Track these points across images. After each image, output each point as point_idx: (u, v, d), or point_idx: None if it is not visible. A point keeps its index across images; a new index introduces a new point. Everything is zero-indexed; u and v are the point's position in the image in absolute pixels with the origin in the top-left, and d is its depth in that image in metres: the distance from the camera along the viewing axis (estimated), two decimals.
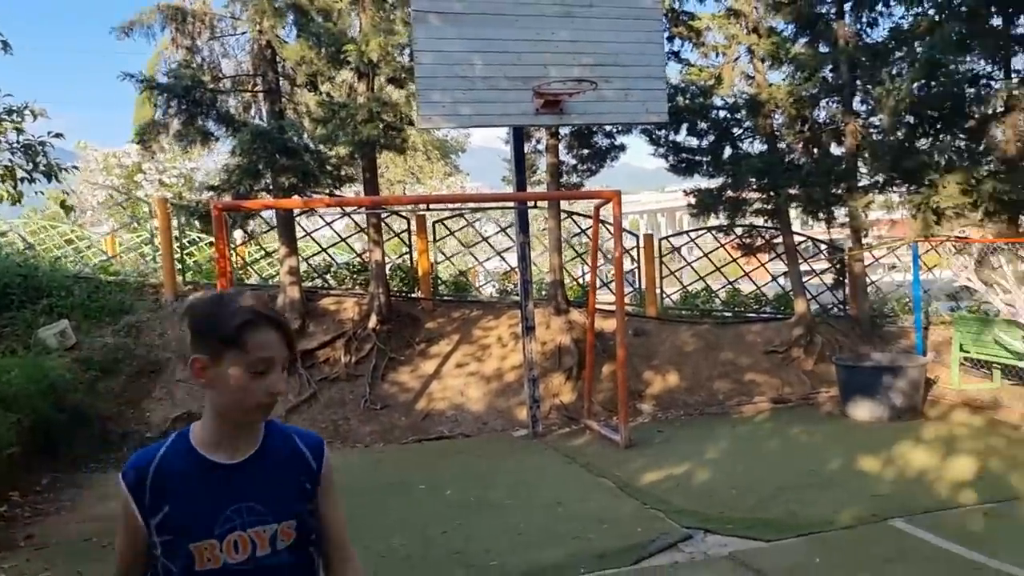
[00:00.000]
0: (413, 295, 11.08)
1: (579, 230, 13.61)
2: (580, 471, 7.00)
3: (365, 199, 9.83)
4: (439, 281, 11.54)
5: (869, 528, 5.22)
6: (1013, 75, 11.57)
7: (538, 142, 11.05)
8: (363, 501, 6.08)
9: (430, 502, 6.26)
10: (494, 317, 10.65)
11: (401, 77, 9.73)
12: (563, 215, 11.58)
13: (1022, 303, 8.11)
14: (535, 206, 8.38)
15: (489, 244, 12.27)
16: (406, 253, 11.64)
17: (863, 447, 7.15)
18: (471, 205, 11.99)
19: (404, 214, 11.86)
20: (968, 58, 11.65)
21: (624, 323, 7.87)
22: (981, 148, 11.32)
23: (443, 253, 12.34)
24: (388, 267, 10.97)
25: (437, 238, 11.58)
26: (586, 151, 10.89)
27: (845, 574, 4.52)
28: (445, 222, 11.87)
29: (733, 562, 4.78)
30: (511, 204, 8.93)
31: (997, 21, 11.26)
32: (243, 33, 10.04)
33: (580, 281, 13.36)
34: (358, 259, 11.75)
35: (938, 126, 11.49)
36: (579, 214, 12.92)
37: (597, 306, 9.11)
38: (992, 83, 11.45)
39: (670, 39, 11.23)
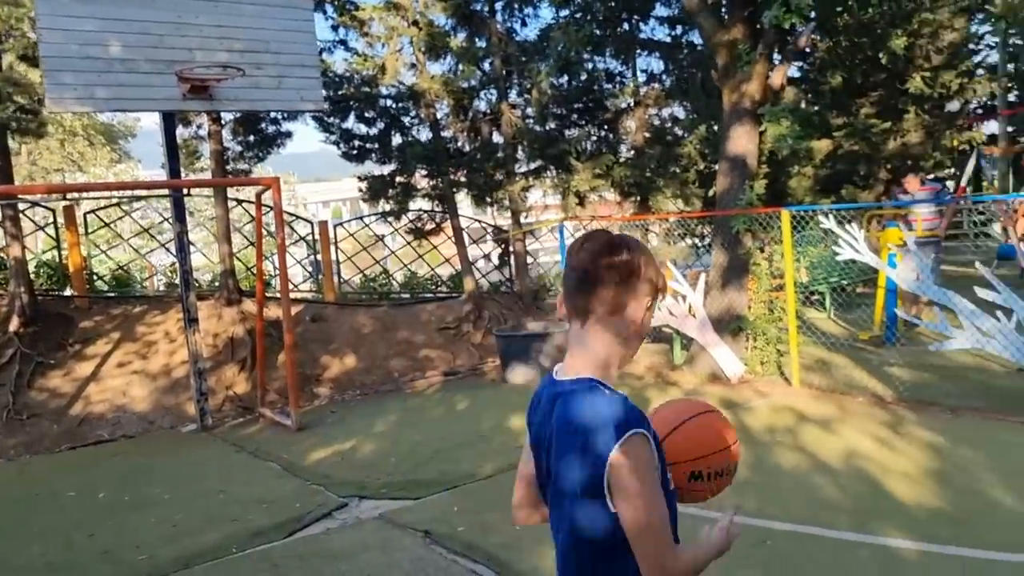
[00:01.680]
0: (65, 293, 10.17)
1: (252, 218, 13.33)
2: (248, 458, 7.00)
3: None
4: (95, 277, 10.69)
5: (505, 476, 5.86)
6: (640, 74, 13.37)
7: (199, 127, 10.66)
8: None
9: (79, 507, 5.91)
10: (161, 312, 10.14)
11: (34, 55, 8.85)
12: (234, 203, 11.29)
13: None
14: (188, 194, 8.11)
15: (150, 235, 11.61)
16: (56, 248, 10.63)
17: (514, 407, 7.92)
18: (118, 193, 11.22)
19: (49, 205, 10.80)
20: (604, 58, 13.28)
21: (290, 307, 7.95)
22: (616, 138, 12.96)
23: (98, 247, 11.43)
24: (33, 263, 9.95)
25: (90, 230, 10.71)
26: (252, 137, 10.73)
27: (476, 516, 5.06)
28: (100, 213, 11.00)
29: (382, 521, 5.14)
30: (165, 192, 8.56)
31: (627, 26, 12.94)
32: None
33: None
34: None
35: (583, 117, 12.96)
36: (251, 202, 12.64)
37: (271, 295, 9.08)
38: (624, 80, 13.14)
39: (335, 28, 11.43)
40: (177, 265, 8.29)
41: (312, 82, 8.00)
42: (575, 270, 1.59)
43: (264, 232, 10.47)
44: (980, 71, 16.12)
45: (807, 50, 12.62)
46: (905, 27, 11.67)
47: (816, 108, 13.22)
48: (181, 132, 10.23)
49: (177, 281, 11.62)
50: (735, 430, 1.99)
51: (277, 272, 11.63)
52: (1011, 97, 21.19)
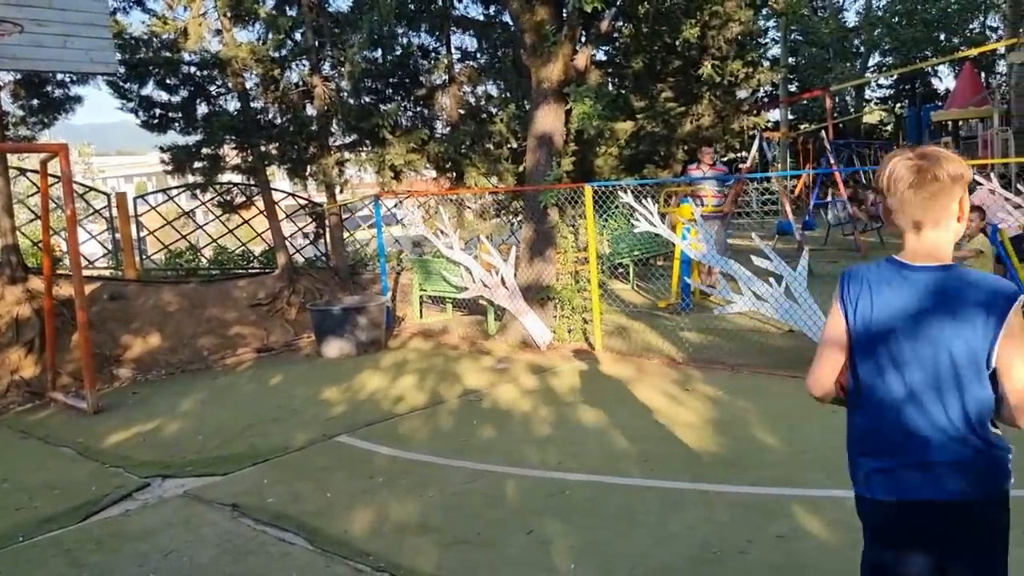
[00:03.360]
0: None
1: (37, 189, 12.26)
2: (37, 444, 6.55)
3: None
4: None
5: (318, 447, 5.89)
6: (455, 51, 13.51)
7: None
8: None
9: None
10: None
11: None
12: (16, 172, 10.35)
13: (458, 244, 9.65)
14: None
15: None
16: None
17: (328, 380, 7.91)
18: None
19: None
20: (419, 34, 13.31)
21: (83, 285, 7.47)
22: (431, 114, 13.05)
23: None
24: None
25: None
26: (37, 101, 9.86)
27: (287, 487, 5.06)
28: None
29: (186, 498, 5.02)
30: None
31: (441, 3, 13.02)
32: None
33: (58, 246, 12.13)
34: None
35: (399, 92, 12.93)
36: (36, 171, 11.62)
37: (62, 272, 8.44)
38: (439, 57, 13.23)
39: None
40: None
41: (103, 43, 7.51)
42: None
43: (52, 205, 9.71)
44: (765, 63, 17.66)
45: (613, 35, 13.28)
46: (697, 17, 12.56)
47: (620, 91, 13.95)
48: None
49: None
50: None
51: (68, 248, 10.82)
52: (791, 88, 23.40)
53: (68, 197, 7.23)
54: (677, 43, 13.14)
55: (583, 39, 8.99)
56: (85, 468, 5.80)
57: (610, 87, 14.25)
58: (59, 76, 9.77)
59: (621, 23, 12.41)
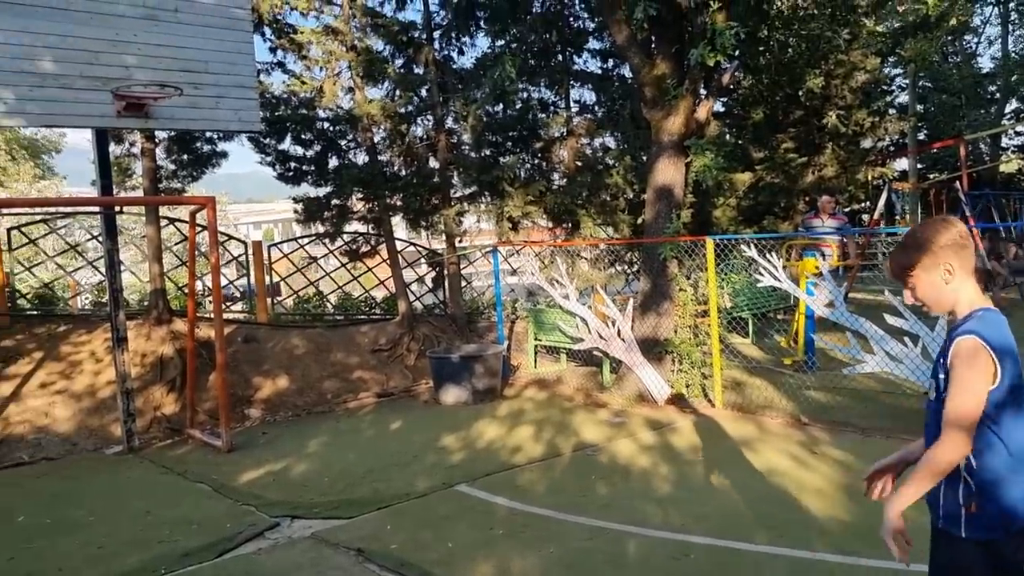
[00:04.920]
0: None
1: (184, 237, 13.20)
2: (176, 479, 6.93)
3: None
4: (17, 294, 10.42)
5: (438, 495, 5.98)
6: (573, 104, 13.75)
7: (132, 145, 10.54)
8: None
9: None
10: (87, 331, 9.93)
11: None
12: (166, 222, 11.16)
13: (574, 294, 9.71)
14: (120, 211, 7.99)
15: (78, 253, 11.37)
16: None
17: (446, 427, 8.06)
18: (42, 210, 11.00)
19: None
20: (539, 88, 13.63)
21: (223, 328, 7.92)
22: (548, 166, 13.28)
23: (21, 264, 11.15)
24: None
25: (14, 247, 10.45)
26: (186, 156, 10.66)
27: (410, 534, 5.16)
28: (24, 229, 10.74)
29: (314, 540, 5.19)
30: (94, 209, 8.44)
31: (561, 58, 13.32)
32: None
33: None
34: None
35: (518, 145, 13.23)
36: (185, 221, 12.52)
37: (203, 315, 9.00)
38: (557, 110, 13.49)
39: (274, 50, 11.47)
40: (106, 284, 8.17)
41: (250, 103, 8.05)
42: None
43: (196, 252, 10.37)
44: (892, 111, 17.09)
45: (731, 86, 13.20)
46: (821, 67, 12.36)
47: (739, 141, 13.81)
48: (113, 149, 10.09)
49: (104, 300, 11.42)
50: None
51: (210, 292, 11.53)
52: (920, 136, 22.47)
53: (213, 246, 7.74)
54: (799, 93, 12.95)
55: (704, 92, 8.98)
56: (220, 505, 6.09)
57: (728, 137, 14.13)
58: (208, 133, 10.53)
59: (741, 74, 12.34)
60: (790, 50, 10.74)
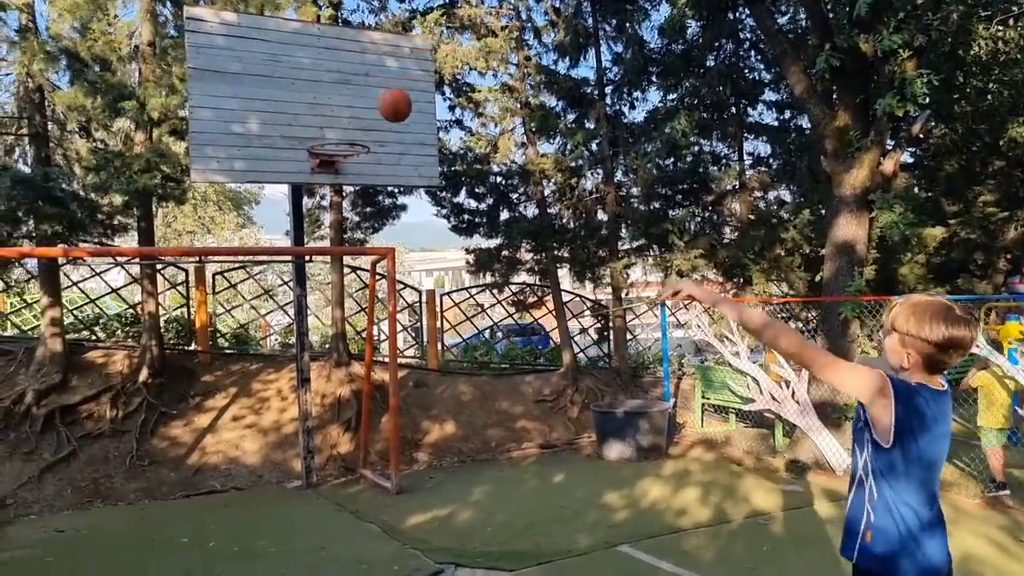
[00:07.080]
0: (190, 348, 10.86)
1: (364, 284, 13.98)
2: (349, 518, 7.22)
3: (130, 249, 9.59)
4: (218, 334, 11.38)
5: (601, 554, 5.87)
6: (747, 157, 13.44)
7: (322, 198, 11.35)
8: (119, 557, 5.96)
9: (191, 554, 6.23)
10: (275, 370, 10.68)
11: (182, 129, 9.72)
12: (348, 270, 11.88)
13: (745, 352, 9.37)
14: (310, 260, 8.61)
15: (271, 297, 12.29)
16: (184, 305, 11.41)
17: (609, 484, 7.92)
18: (243, 258, 11.99)
19: (183, 265, 11.64)
20: (711, 141, 13.45)
21: (397, 373, 8.26)
22: (719, 219, 13.00)
23: (222, 305, 12.19)
24: (164, 319, 10.71)
25: (217, 290, 11.46)
26: (369, 209, 11.33)
27: None
28: (226, 274, 11.77)
29: None
30: (289, 258, 9.12)
31: (735, 110, 13.10)
32: (8, 75, 9.63)
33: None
34: (131, 311, 11.35)
35: (689, 198, 13.07)
36: (365, 269, 13.28)
37: (379, 359, 9.44)
38: (730, 163, 13.23)
39: (452, 108, 12.05)
40: (294, 326, 8.76)
41: (429, 159, 8.46)
42: None
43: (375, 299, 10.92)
44: None
45: (921, 136, 12.43)
46: None
47: (929, 194, 12.93)
48: (305, 202, 10.91)
49: (290, 341, 12.26)
50: None
51: (386, 337, 12.08)
52: None
53: (391, 295, 8.14)
54: (1000, 143, 11.97)
55: (891, 143, 8.51)
56: (388, 547, 6.27)
57: (917, 190, 13.26)
58: (389, 188, 11.17)
59: (933, 123, 11.60)
60: (990, 97, 10.00)
